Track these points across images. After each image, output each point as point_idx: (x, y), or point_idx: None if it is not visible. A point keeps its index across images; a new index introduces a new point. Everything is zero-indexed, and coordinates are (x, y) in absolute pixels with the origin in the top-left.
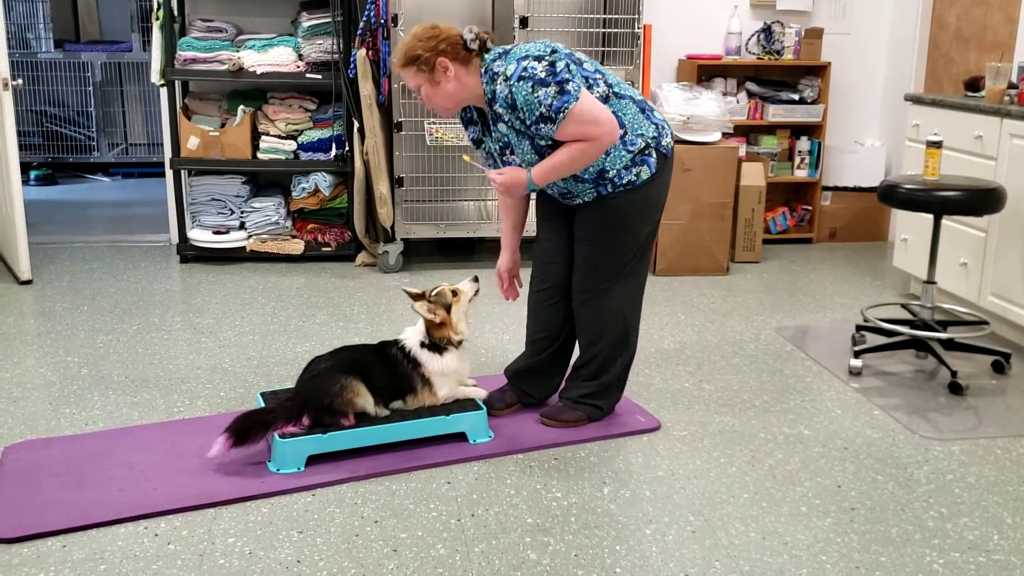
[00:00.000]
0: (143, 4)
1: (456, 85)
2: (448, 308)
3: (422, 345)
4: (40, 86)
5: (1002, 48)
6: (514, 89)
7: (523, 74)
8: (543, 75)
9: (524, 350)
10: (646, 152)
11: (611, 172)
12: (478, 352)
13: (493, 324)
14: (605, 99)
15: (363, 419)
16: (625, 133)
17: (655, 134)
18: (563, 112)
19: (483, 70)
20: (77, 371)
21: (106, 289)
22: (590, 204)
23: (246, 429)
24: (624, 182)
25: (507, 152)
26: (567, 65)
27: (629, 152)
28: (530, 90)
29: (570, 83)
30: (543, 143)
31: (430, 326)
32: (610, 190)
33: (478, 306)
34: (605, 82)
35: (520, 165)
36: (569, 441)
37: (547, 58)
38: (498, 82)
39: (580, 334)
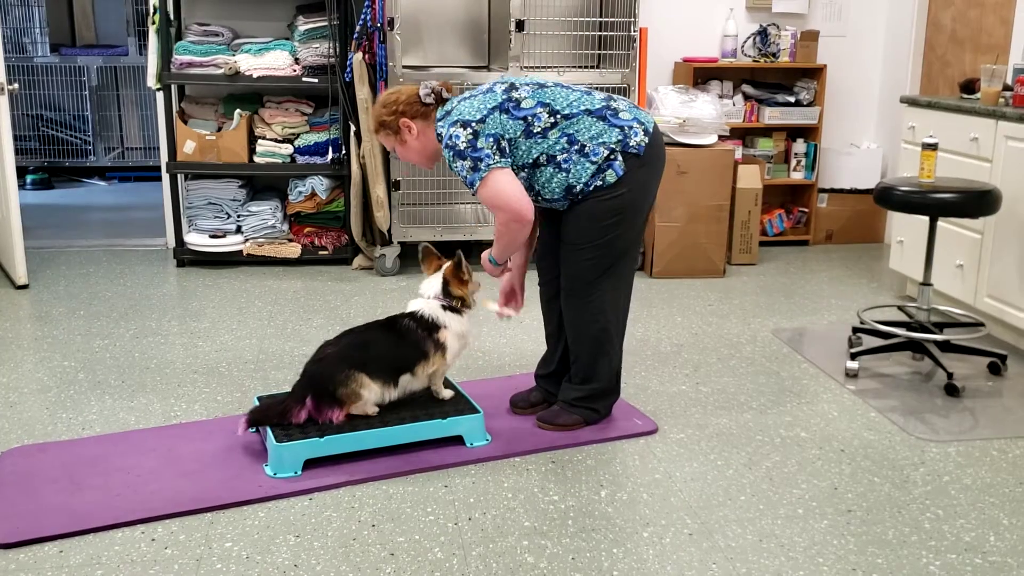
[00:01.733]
0: (139, 8)
1: (422, 140)
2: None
3: (444, 308)
4: (36, 90)
5: (997, 50)
6: (444, 153)
7: (448, 142)
8: (463, 146)
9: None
10: (611, 158)
11: (578, 187)
12: (475, 355)
13: (491, 328)
14: (552, 126)
15: (360, 422)
16: (583, 147)
17: (619, 137)
18: (474, 186)
19: (436, 130)
20: (74, 375)
21: (103, 293)
22: (568, 208)
23: (263, 419)
24: (591, 188)
25: None
26: (489, 139)
27: (593, 163)
28: (451, 158)
29: (482, 161)
30: None
31: (455, 282)
32: (580, 196)
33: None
34: (550, 111)
35: None
36: (566, 444)
37: (473, 125)
38: (441, 142)
39: (567, 332)
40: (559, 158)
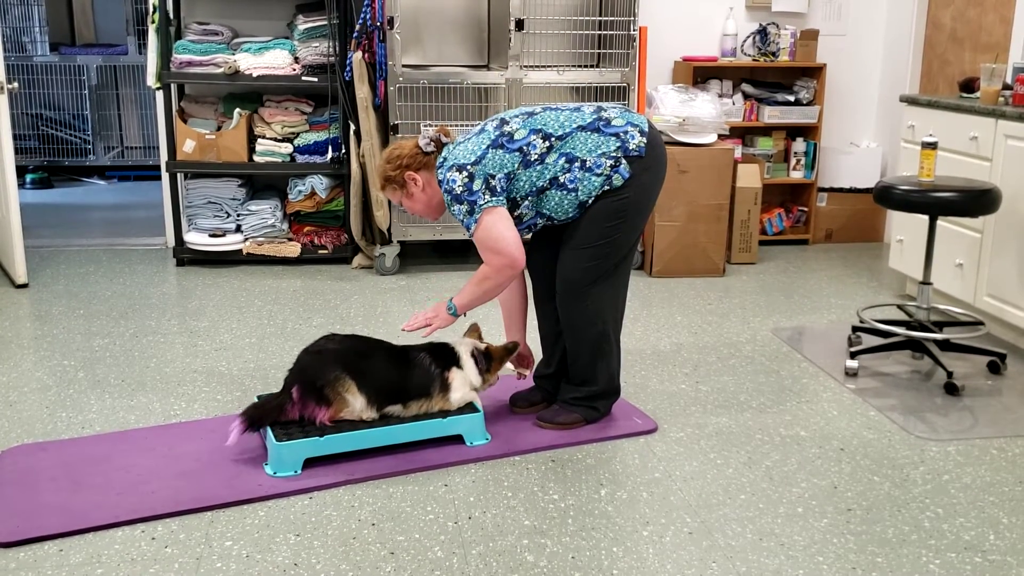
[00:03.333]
0: (139, 7)
1: (429, 191)
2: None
3: (473, 356)
4: (36, 89)
5: (997, 49)
6: (444, 198)
7: (446, 187)
8: (459, 190)
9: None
10: (615, 165)
11: (589, 200)
12: None
13: (490, 326)
14: (549, 150)
15: (359, 422)
16: (585, 163)
17: (618, 144)
18: (470, 229)
19: (437, 177)
20: (74, 375)
21: (102, 292)
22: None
23: (259, 416)
24: (601, 192)
25: None
26: (484, 181)
27: (599, 175)
28: (450, 203)
29: (476, 204)
30: None
31: (496, 361)
32: (590, 202)
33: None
34: (543, 136)
35: None
36: (566, 443)
37: (468, 168)
38: (442, 188)
39: (565, 334)
40: (562, 179)
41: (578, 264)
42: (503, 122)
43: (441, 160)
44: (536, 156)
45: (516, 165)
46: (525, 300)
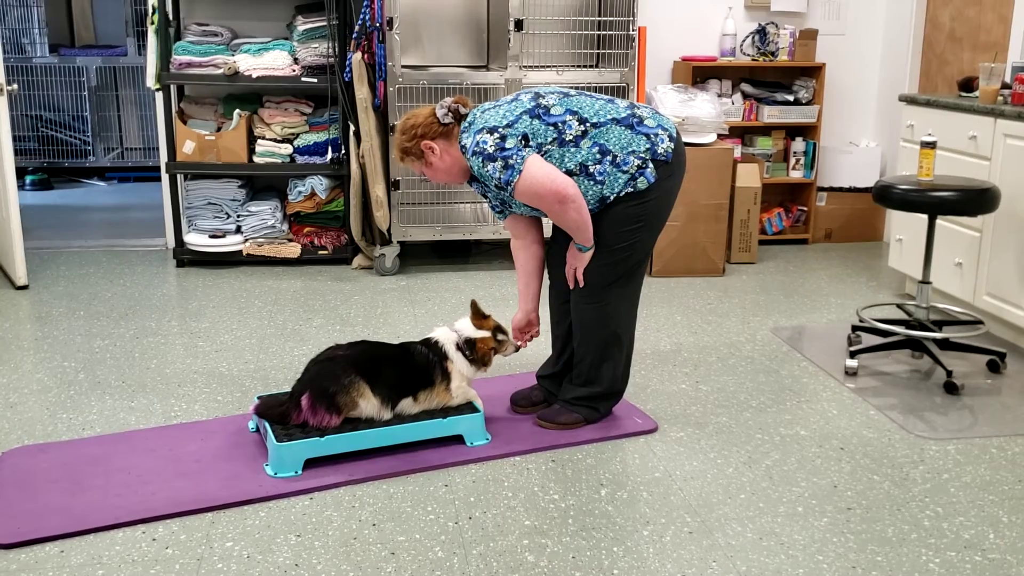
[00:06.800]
0: (138, 8)
1: (449, 159)
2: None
3: (457, 347)
4: (35, 91)
5: (995, 48)
6: (471, 162)
7: (476, 149)
8: (492, 150)
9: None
10: (642, 167)
11: (612, 197)
12: None
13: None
14: (583, 135)
15: (360, 422)
16: (615, 158)
17: (648, 145)
18: (510, 185)
19: (459, 143)
20: (74, 376)
21: (102, 294)
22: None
23: (266, 413)
24: (623, 195)
25: (508, 205)
26: (518, 139)
27: (625, 173)
28: (481, 164)
29: (512, 157)
30: None
31: (483, 346)
32: (612, 200)
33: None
34: (579, 119)
35: (521, 214)
36: (566, 443)
37: (500, 130)
38: (466, 154)
39: (575, 334)
40: (592, 169)
41: (596, 265)
42: (538, 95)
43: (467, 124)
44: (571, 137)
45: (550, 139)
46: (542, 267)
